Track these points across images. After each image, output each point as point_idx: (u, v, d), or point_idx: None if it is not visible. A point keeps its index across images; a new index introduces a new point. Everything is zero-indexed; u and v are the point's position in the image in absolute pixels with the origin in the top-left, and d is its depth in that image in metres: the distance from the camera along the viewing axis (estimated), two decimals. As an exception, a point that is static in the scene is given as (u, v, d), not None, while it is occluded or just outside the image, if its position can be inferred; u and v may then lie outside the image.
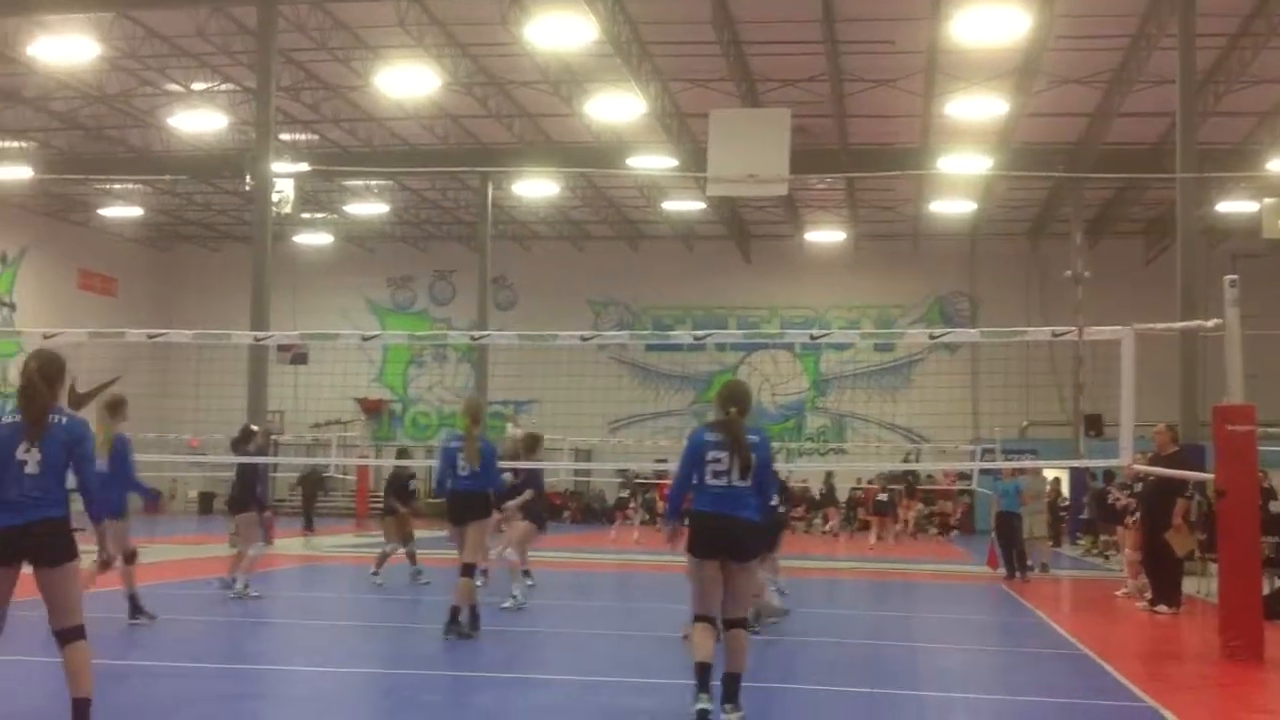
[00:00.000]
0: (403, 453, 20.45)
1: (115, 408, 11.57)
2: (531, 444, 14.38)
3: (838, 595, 16.52)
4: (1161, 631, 13.32)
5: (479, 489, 11.19)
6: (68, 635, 6.33)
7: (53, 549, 6.29)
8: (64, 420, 6.45)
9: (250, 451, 14.85)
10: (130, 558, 11.68)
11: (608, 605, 14.16)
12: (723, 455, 7.45)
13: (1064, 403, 35.63)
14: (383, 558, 16.02)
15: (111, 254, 42.29)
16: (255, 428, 15.98)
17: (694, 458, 7.53)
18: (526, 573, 14.15)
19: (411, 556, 16.06)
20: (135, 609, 11.61)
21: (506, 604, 13.07)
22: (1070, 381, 33.72)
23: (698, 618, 7.49)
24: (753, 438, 7.57)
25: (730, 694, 7.36)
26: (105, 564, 6.69)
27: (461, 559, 11.13)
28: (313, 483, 29.12)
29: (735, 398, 7.65)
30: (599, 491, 39.85)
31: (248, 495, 14.46)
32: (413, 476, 17.06)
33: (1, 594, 6.37)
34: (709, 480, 7.48)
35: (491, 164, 32.71)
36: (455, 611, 10.97)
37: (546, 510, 15.45)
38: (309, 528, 27.75)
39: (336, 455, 35.39)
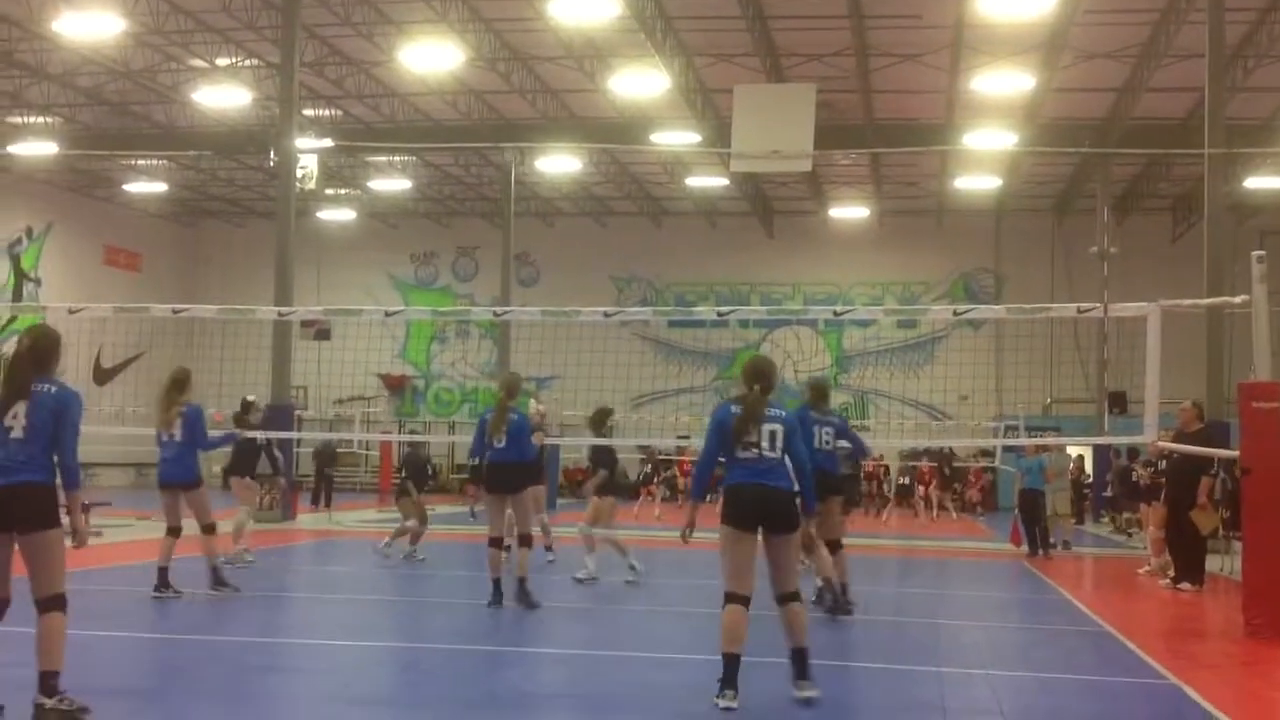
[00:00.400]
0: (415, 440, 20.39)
1: (181, 383, 12.02)
2: (600, 419, 14.49)
3: (860, 572, 16.50)
4: (1184, 609, 13.28)
5: (511, 460, 11.46)
6: (43, 605, 6.38)
7: (32, 513, 6.36)
8: (53, 390, 6.56)
9: (251, 424, 15.31)
10: (209, 529, 11.82)
11: (627, 580, 14.17)
12: (745, 426, 7.42)
13: (1088, 379, 35.47)
14: (400, 532, 16.03)
15: (136, 229, 42.46)
16: (251, 398, 16.59)
17: (720, 433, 7.47)
18: (623, 551, 14.00)
19: (415, 537, 15.99)
20: (217, 580, 11.74)
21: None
22: (1094, 358, 33.55)
23: (730, 598, 7.27)
24: (776, 411, 7.54)
25: (801, 670, 7.29)
26: (76, 537, 6.71)
27: (517, 529, 11.62)
28: (326, 458, 29.13)
29: (760, 374, 7.60)
30: (621, 468, 39.82)
31: (243, 464, 15.34)
32: (429, 460, 17.14)
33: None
34: (739, 453, 7.43)
35: (515, 140, 32.66)
36: (498, 583, 11.31)
37: (622, 483, 15.56)
38: (317, 503, 27.75)
39: (360, 431, 35.52)
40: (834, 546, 11.19)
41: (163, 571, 11.66)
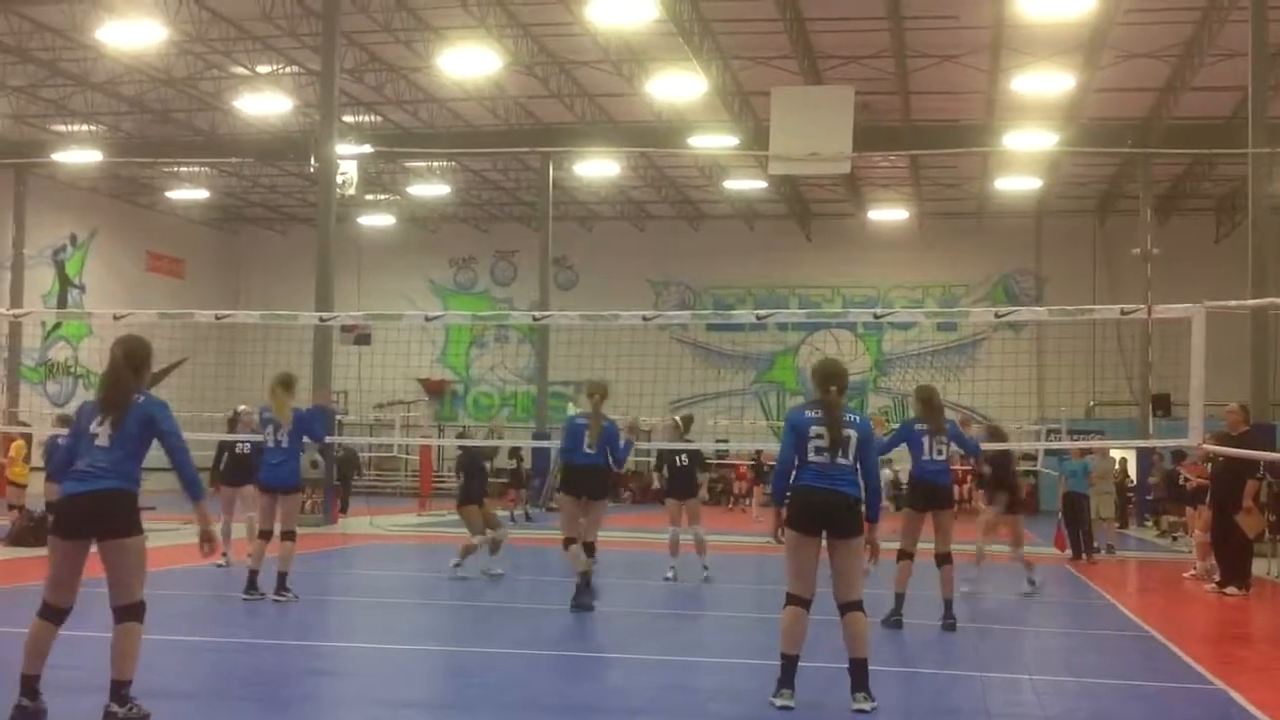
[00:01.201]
0: (493, 433, 19.91)
1: (289, 384, 12.14)
2: (688, 424, 15.95)
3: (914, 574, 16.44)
4: (1230, 613, 13.14)
5: (598, 465, 11.67)
6: (119, 613, 6.39)
7: (112, 521, 6.37)
8: (140, 399, 6.58)
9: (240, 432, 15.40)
10: (290, 535, 11.94)
11: (670, 585, 14.18)
12: (824, 431, 7.40)
13: (1131, 382, 35.16)
14: (468, 549, 14.35)
15: (179, 236, 42.85)
16: (242, 408, 16.53)
17: (796, 437, 7.45)
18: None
19: (495, 546, 14.49)
20: (282, 586, 11.81)
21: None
22: (1138, 360, 33.25)
23: (790, 599, 7.31)
24: (851, 416, 7.53)
25: (860, 682, 7.21)
26: (206, 540, 6.80)
27: (584, 536, 11.68)
28: (347, 464, 29.12)
29: (834, 375, 7.58)
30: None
31: (234, 472, 15.12)
32: (486, 458, 15.80)
33: (71, 570, 6.44)
34: (811, 457, 7.41)
35: (553, 144, 32.75)
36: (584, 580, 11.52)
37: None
38: (342, 509, 27.76)
39: (399, 435, 35.69)
40: (943, 560, 10.99)
41: (253, 574, 11.84)
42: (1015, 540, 14.43)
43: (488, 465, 15.94)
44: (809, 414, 7.51)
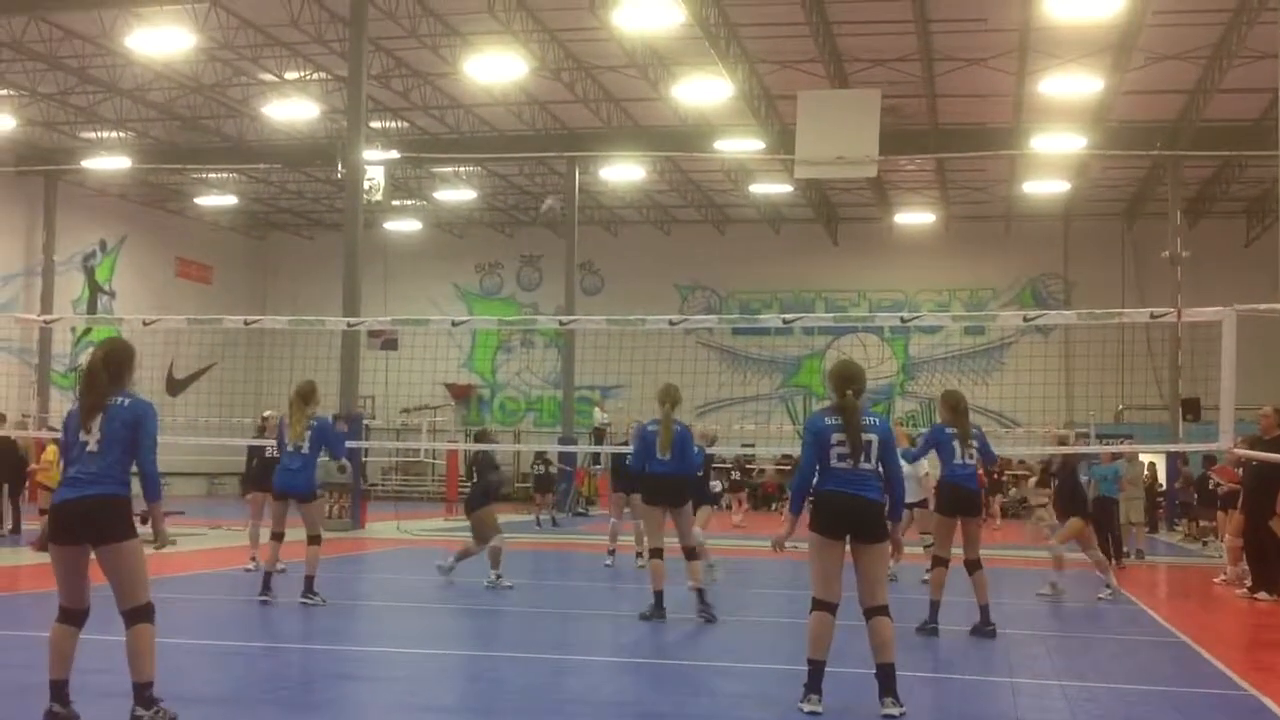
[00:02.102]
0: (483, 435, 17.87)
1: (307, 395, 12.00)
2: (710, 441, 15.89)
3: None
4: (1262, 619, 13.03)
5: (675, 473, 11.41)
6: (129, 617, 6.39)
7: (105, 526, 6.35)
8: (126, 402, 6.58)
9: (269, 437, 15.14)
10: (316, 539, 12.01)
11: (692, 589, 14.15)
12: (844, 437, 7.39)
13: (1161, 386, 34.94)
14: (464, 553, 14.24)
15: (207, 242, 43.10)
16: (269, 413, 16.45)
17: (818, 444, 7.42)
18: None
19: (495, 557, 14.00)
20: (309, 589, 11.86)
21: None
22: (1167, 364, 33.05)
23: (817, 604, 7.31)
24: (870, 419, 7.50)
25: (888, 687, 7.18)
26: (158, 540, 6.79)
27: (680, 542, 11.50)
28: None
29: (851, 378, 7.56)
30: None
31: (263, 477, 14.69)
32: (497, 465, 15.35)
33: (75, 574, 6.44)
34: (834, 463, 7.39)
35: (578, 149, 32.79)
36: (660, 596, 11.27)
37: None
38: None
39: (426, 440, 35.77)
40: (973, 566, 10.88)
41: (267, 576, 11.95)
42: (1086, 543, 14.33)
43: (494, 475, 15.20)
44: (828, 420, 7.48)
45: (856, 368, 7.75)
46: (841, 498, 7.34)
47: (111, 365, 6.66)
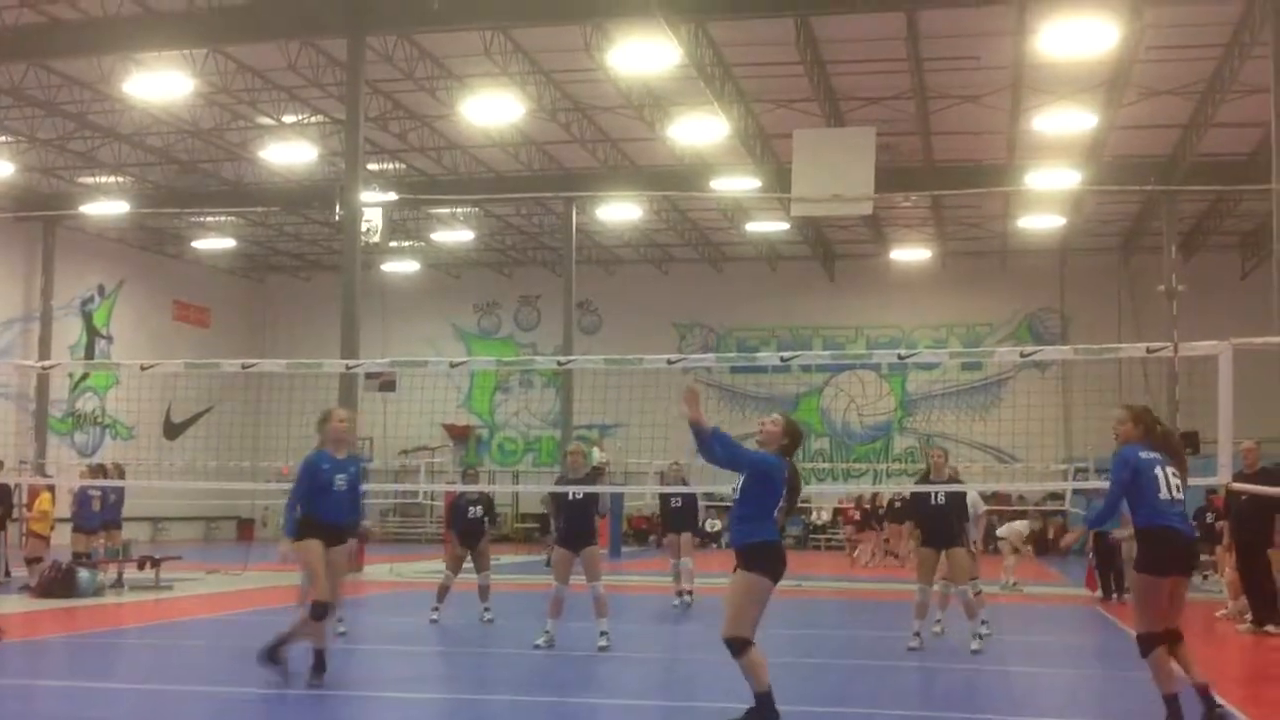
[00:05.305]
0: (470, 474, 18.11)
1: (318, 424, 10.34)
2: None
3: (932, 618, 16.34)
4: (1265, 654, 12.98)
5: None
6: None
7: None
8: None
9: None
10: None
11: (693, 629, 14.11)
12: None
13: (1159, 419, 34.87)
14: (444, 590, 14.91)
15: (205, 285, 43.16)
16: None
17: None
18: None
19: (442, 592, 14.96)
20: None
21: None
22: (1165, 398, 33.02)
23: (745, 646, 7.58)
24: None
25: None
26: None
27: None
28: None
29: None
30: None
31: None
32: (474, 503, 15.21)
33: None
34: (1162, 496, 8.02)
35: (575, 189, 32.90)
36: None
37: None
38: None
39: (425, 481, 35.70)
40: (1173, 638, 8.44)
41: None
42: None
43: (471, 510, 15.00)
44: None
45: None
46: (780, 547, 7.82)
47: None
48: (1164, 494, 8.11)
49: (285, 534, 9.84)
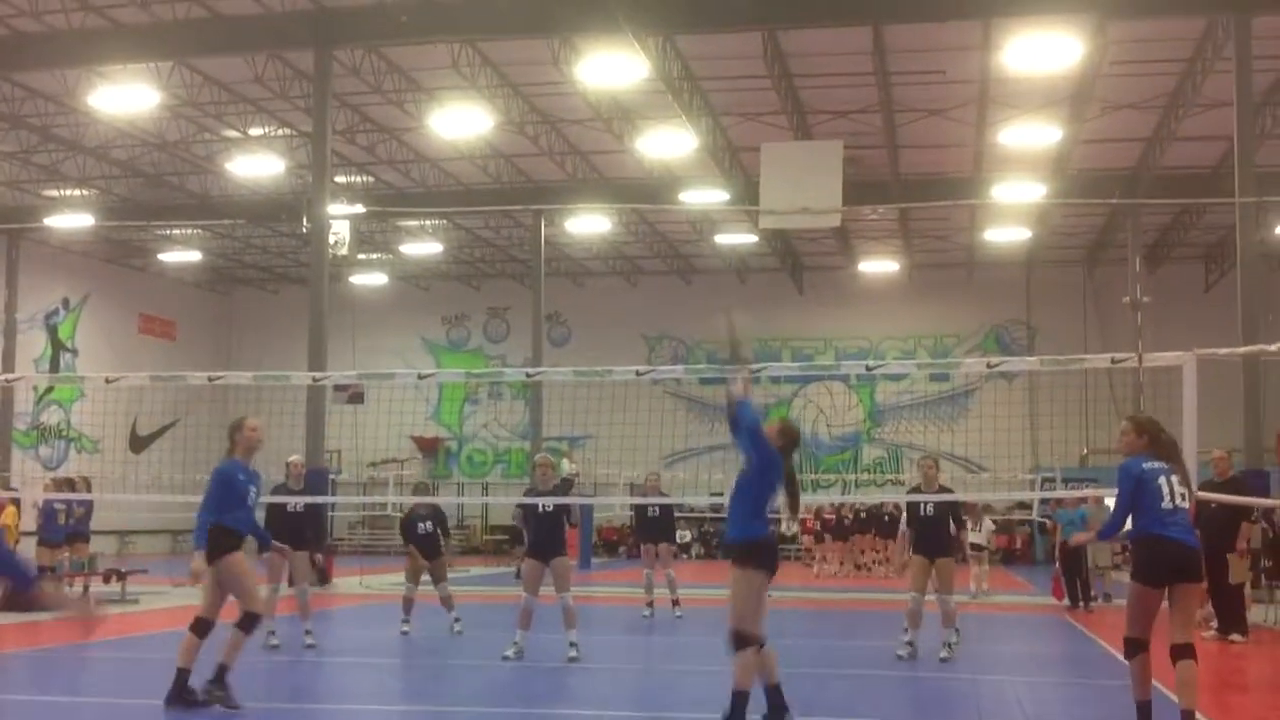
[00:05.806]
0: (420, 489, 18.66)
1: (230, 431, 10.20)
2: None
3: (895, 625, 16.42)
4: (1230, 661, 13.08)
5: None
6: None
7: None
8: None
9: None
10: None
11: (663, 640, 14.12)
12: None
13: (1125, 430, 35.11)
14: (409, 602, 15.08)
15: (171, 298, 42.90)
16: (293, 458, 15.99)
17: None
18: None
19: (407, 604, 15.05)
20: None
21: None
22: (1131, 408, 33.27)
23: (751, 642, 7.78)
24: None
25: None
26: None
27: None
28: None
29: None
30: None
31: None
32: (424, 519, 15.02)
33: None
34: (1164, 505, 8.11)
35: (544, 202, 32.89)
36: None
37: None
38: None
39: (393, 494, 35.55)
40: (1183, 653, 8.44)
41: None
42: None
43: (422, 526, 14.82)
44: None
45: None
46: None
47: None
48: (1166, 503, 8.11)
49: (197, 548, 9.26)
